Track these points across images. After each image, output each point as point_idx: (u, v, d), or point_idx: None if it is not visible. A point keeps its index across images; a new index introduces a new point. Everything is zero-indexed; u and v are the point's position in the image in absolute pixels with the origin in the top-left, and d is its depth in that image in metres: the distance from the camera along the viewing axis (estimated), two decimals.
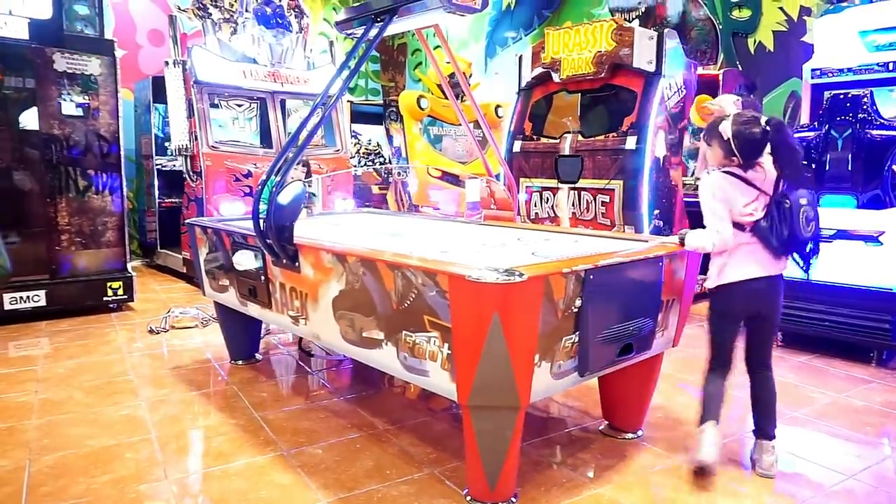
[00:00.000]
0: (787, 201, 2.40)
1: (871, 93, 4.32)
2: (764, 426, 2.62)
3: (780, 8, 6.38)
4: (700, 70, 6.01)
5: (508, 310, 1.96)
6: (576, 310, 2.18)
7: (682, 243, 2.56)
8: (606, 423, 2.97)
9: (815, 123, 4.50)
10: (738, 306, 2.53)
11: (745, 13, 6.72)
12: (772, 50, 6.53)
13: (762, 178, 2.43)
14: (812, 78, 4.89)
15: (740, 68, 6.65)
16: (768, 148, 2.40)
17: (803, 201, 2.41)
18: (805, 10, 6.19)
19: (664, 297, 2.59)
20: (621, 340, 2.37)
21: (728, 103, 2.77)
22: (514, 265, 2.03)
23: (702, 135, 2.61)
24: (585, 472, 2.58)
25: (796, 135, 4.57)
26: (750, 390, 2.68)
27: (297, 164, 4.09)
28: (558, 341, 2.16)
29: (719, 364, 2.62)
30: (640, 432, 2.90)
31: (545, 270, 2.07)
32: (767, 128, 2.38)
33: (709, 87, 6.09)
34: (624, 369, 2.59)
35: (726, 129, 2.42)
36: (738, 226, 2.44)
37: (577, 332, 2.20)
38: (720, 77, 6.17)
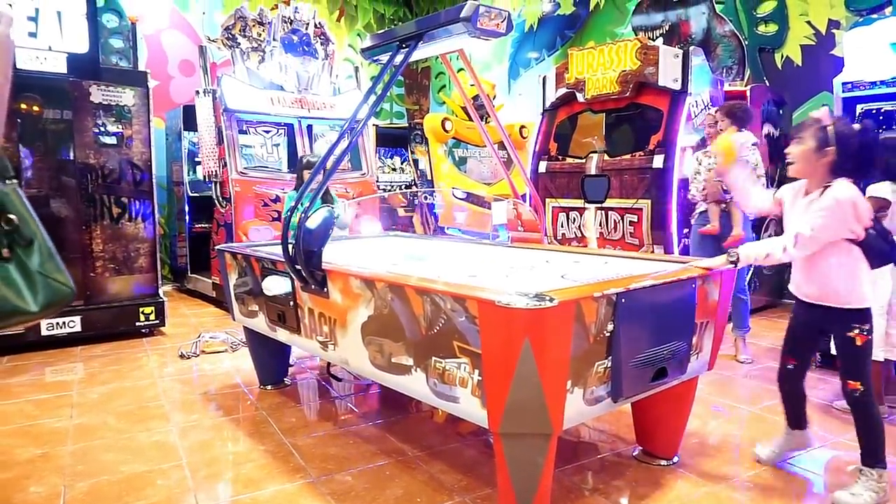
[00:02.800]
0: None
1: None
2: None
3: (808, 22, 6.30)
4: (727, 86, 5.96)
5: (539, 335, 1.93)
6: (608, 334, 2.14)
7: (734, 262, 2.49)
8: (640, 448, 2.90)
9: None
10: None
11: (772, 28, 6.65)
12: (800, 64, 6.45)
13: None
14: (843, 92, 4.80)
15: (768, 84, 6.57)
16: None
17: None
18: (833, 23, 6.10)
19: (698, 319, 2.53)
20: (655, 365, 2.32)
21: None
22: (544, 290, 2.01)
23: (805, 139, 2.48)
24: (619, 500, 2.51)
25: None
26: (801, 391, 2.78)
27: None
28: (591, 367, 2.12)
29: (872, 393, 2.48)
30: (675, 459, 2.82)
31: (576, 295, 2.04)
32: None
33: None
34: (658, 394, 2.53)
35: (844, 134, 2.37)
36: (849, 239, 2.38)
37: (610, 357, 2.16)
38: (747, 93, 6.10)
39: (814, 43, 6.30)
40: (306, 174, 4.50)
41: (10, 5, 4.58)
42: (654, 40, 7.01)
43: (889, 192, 3.33)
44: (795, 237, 2.36)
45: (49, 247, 1.26)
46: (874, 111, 4.34)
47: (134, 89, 5.26)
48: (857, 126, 2.37)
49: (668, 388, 2.54)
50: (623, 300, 2.14)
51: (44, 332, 4.81)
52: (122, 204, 5.24)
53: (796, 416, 2.80)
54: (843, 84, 4.80)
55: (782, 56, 6.58)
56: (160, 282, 5.51)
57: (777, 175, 6.06)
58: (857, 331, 2.40)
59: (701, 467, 2.78)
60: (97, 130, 5.09)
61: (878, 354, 3.40)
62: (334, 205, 4.29)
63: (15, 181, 1.25)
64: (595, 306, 2.08)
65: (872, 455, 2.44)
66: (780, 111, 6.18)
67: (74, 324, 4.95)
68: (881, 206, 3.37)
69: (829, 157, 2.33)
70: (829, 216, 2.32)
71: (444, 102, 9.06)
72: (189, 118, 6.86)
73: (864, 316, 2.41)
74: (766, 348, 4.64)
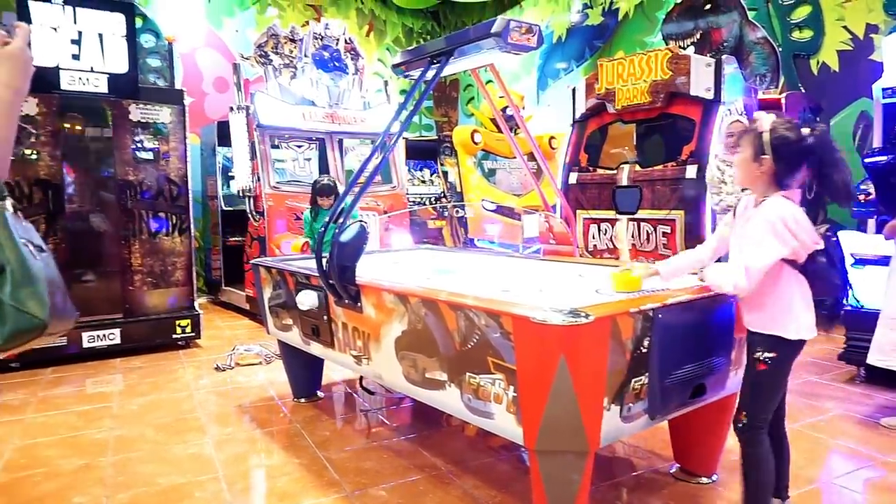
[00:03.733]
0: (832, 234, 2.13)
1: None
2: (786, 482, 2.35)
3: (844, 27, 6.17)
4: (761, 94, 5.85)
5: (575, 352, 1.91)
6: (645, 350, 2.11)
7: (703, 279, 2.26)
8: (678, 466, 2.84)
9: (888, 146, 4.29)
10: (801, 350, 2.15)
11: (807, 33, 6.53)
12: (837, 70, 6.31)
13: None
14: (884, 97, 4.69)
15: (803, 90, 6.44)
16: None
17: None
18: (872, 28, 5.97)
19: (737, 334, 2.47)
20: (693, 381, 2.27)
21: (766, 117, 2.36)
22: (579, 305, 1.99)
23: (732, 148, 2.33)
24: None
25: (868, 159, 4.37)
26: (775, 449, 2.23)
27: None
28: (627, 383, 2.09)
29: (766, 430, 2.19)
30: (714, 477, 2.76)
31: (612, 311, 2.02)
32: (811, 133, 2.03)
33: (771, 111, 5.91)
34: (696, 410, 2.48)
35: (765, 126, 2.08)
36: (791, 262, 2.07)
37: (647, 374, 2.13)
38: (782, 101, 5.98)
39: (851, 48, 6.17)
40: (319, 199, 4.76)
41: (55, 29, 4.76)
42: (684, 49, 6.94)
43: None
44: (746, 271, 2.01)
45: (26, 273, 1.14)
46: None
47: (171, 107, 5.40)
48: (806, 130, 2.03)
49: (707, 405, 2.49)
50: (660, 315, 2.11)
51: (85, 345, 4.94)
52: (160, 219, 5.37)
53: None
54: (884, 90, 4.68)
55: (818, 62, 6.45)
56: (196, 295, 5.62)
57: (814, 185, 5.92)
58: (759, 356, 2.12)
59: (740, 486, 2.70)
60: (135, 147, 5.24)
61: (874, 360, 3.39)
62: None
63: (6, 201, 1.16)
64: (631, 322, 2.06)
65: (752, 501, 2.18)
66: (818, 119, 6.05)
67: (114, 336, 5.07)
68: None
69: (765, 166, 2.06)
70: (763, 239, 2.02)
71: (472, 114, 9.09)
72: (223, 134, 7.01)
73: (774, 343, 2.09)
74: (808, 362, 4.52)
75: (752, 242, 2.05)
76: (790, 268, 2.07)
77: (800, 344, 2.11)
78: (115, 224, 5.23)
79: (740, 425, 2.16)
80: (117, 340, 5.08)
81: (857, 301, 4.18)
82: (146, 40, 5.61)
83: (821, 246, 2.07)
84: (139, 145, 5.26)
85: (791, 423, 3.41)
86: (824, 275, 2.08)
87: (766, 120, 2.08)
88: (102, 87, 5.04)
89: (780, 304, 2.08)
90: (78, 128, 5.10)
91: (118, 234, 5.22)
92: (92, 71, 4.97)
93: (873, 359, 3.51)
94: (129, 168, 5.21)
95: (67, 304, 1.24)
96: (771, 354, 2.10)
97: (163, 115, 5.36)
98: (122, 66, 5.10)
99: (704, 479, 2.73)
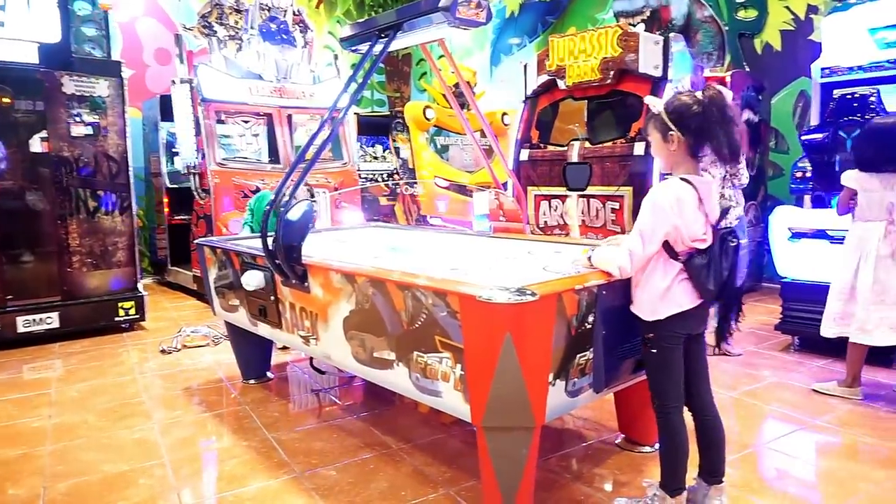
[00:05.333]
0: (734, 239, 2.08)
1: (878, 91, 4.27)
2: (719, 467, 2.27)
3: (787, 7, 6.33)
4: (707, 72, 5.97)
5: (521, 330, 1.93)
6: (589, 326, 2.14)
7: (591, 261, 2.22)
8: (623, 436, 2.93)
9: (824, 124, 4.45)
10: (683, 328, 2.12)
11: (751, 13, 6.68)
12: (779, 50, 6.48)
13: (708, 195, 2.08)
14: (821, 77, 4.84)
15: (748, 69, 6.60)
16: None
17: (744, 242, 2.10)
18: (812, 9, 6.14)
19: None
20: (635, 355, 2.33)
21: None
22: (525, 283, 2.00)
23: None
24: (602, 487, 2.54)
25: (805, 136, 4.53)
26: (700, 430, 2.26)
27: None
28: (572, 359, 2.12)
29: (681, 401, 2.18)
30: (656, 445, 2.84)
31: (557, 288, 2.04)
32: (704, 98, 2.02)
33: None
34: (639, 383, 2.54)
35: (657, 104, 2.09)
36: (672, 253, 2.06)
37: (591, 349, 2.17)
38: (727, 79, 6.12)
39: (793, 28, 6.34)
40: None
41: None
42: (634, 26, 6.99)
43: (853, 180, 3.38)
44: (630, 256, 2.03)
45: None
46: (849, 96, 4.37)
47: (108, 79, 5.14)
48: (698, 95, 2.03)
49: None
50: (604, 292, 2.14)
51: (20, 329, 4.73)
52: (99, 197, 5.15)
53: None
54: (822, 69, 4.83)
55: (762, 41, 6.61)
56: (140, 276, 5.43)
57: (756, 162, 6.11)
58: (644, 338, 2.16)
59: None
60: (71, 122, 4.98)
61: (829, 332, 3.51)
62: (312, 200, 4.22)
63: None
64: (576, 299, 2.08)
65: (669, 478, 2.17)
66: (760, 97, 6.22)
67: (52, 320, 4.87)
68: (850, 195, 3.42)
69: (675, 143, 2.05)
70: (644, 222, 2.03)
71: (425, 90, 9.00)
72: (166, 108, 6.73)
73: (650, 326, 2.11)
74: (746, 332, 4.70)
75: (637, 225, 2.06)
76: (667, 257, 2.06)
77: (673, 321, 2.07)
78: (51, 202, 4.98)
79: (654, 405, 2.18)
80: (55, 324, 4.88)
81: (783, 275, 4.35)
82: (80, 7, 5.32)
83: (706, 244, 2.05)
84: (75, 119, 5.00)
85: (730, 392, 3.56)
86: (698, 276, 2.03)
87: (657, 101, 2.12)
88: (32, 58, 4.76)
89: (647, 289, 2.10)
90: (6, 100, 4.81)
91: (54, 212, 4.98)
92: (20, 39, 4.67)
93: (827, 331, 3.53)
94: (63, 144, 4.96)
95: None
96: (650, 336, 2.13)
97: (99, 87, 5.11)
98: (53, 35, 4.81)
99: (647, 448, 2.82)
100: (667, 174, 2.16)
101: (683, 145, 2.06)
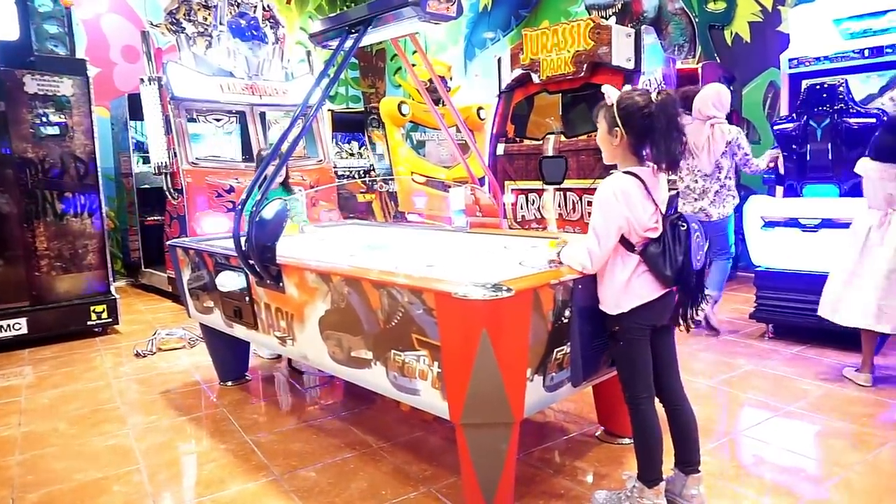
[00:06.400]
0: (684, 223, 2.09)
1: (846, 81, 4.34)
2: (694, 457, 2.27)
3: None
4: (679, 64, 6.02)
5: (497, 326, 1.92)
6: (566, 320, 2.15)
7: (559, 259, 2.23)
8: (603, 429, 2.95)
9: (794, 114, 4.51)
10: (648, 319, 2.14)
11: (721, 5, 6.75)
12: (748, 41, 6.57)
13: (655, 184, 2.10)
14: (790, 68, 4.91)
15: (719, 61, 6.67)
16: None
17: (695, 226, 2.11)
18: (779, 0, 6.22)
19: None
20: None
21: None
22: (501, 279, 2.00)
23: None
24: (583, 480, 2.55)
25: (776, 126, 4.59)
26: (672, 420, 2.28)
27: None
28: (550, 354, 2.12)
29: (650, 392, 2.19)
30: None
31: (533, 283, 2.04)
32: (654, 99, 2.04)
33: (689, 81, 6.10)
34: (616, 376, 2.56)
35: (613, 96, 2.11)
36: (629, 246, 2.08)
37: (568, 343, 2.17)
38: (699, 70, 6.18)
39: (761, 20, 6.42)
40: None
41: None
42: (606, 19, 7.02)
43: (870, 169, 3.41)
44: (589, 254, 2.07)
45: None
46: (818, 86, 4.44)
47: (72, 78, 5.01)
48: (650, 97, 2.03)
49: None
50: (580, 286, 2.15)
51: None
52: (66, 199, 5.02)
53: None
54: (790, 60, 4.90)
55: (732, 33, 6.68)
56: (112, 278, 5.33)
57: None
58: (610, 332, 2.19)
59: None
60: (35, 122, 4.85)
61: (825, 312, 3.58)
62: (291, 196, 4.13)
63: None
64: (552, 294, 2.08)
65: (646, 469, 2.18)
66: (731, 88, 6.28)
67: (20, 326, 4.75)
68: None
69: (619, 138, 2.07)
70: (597, 220, 2.05)
71: (400, 85, 8.94)
72: (135, 107, 6.59)
73: (615, 319, 2.14)
74: (722, 320, 4.76)
75: (591, 224, 2.08)
76: (625, 250, 2.08)
77: (637, 313, 2.08)
78: (17, 205, 4.85)
79: (625, 396, 2.19)
80: (24, 330, 4.76)
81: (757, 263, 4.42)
82: (41, 4, 5.16)
83: (657, 233, 2.06)
84: (40, 120, 4.87)
85: (706, 380, 3.61)
86: (655, 264, 2.05)
87: (612, 93, 2.12)
88: None
89: (609, 284, 2.12)
90: None
91: (20, 215, 4.84)
92: None
93: (824, 311, 3.60)
94: (27, 145, 4.83)
95: None
96: (616, 329, 2.15)
97: (64, 86, 4.98)
98: (12, 33, 4.67)
99: (626, 440, 2.83)
100: (611, 167, 2.17)
101: (625, 142, 2.09)
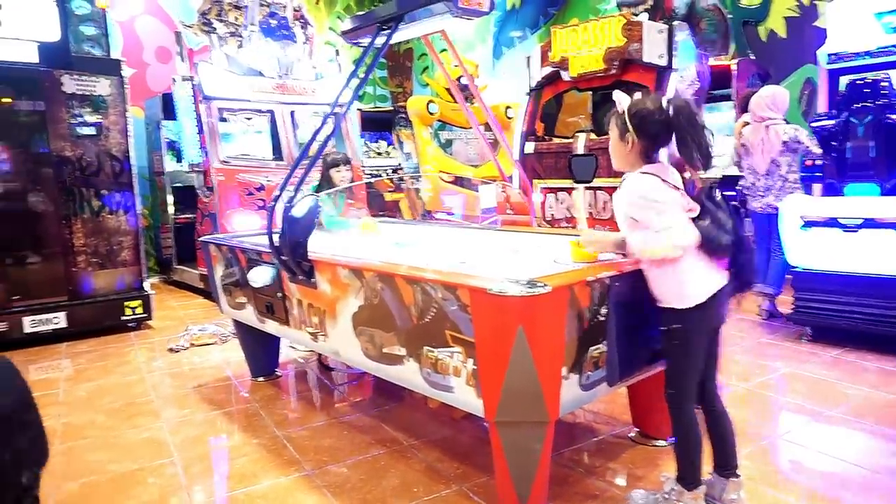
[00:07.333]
0: (717, 191, 2.07)
1: (889, 76, 4.21)
2: (732, 460, 2.23)
3: None
4: (712, 61, 5.90)
5: (533, 323, 1.89)
6: (602, 318, 2.11)
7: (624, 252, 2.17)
8: (637, 430, 2.90)
9: (834, 111, 4.39)
10: (709, 320, 2.10)
11: (755, 1, 6.60)
12: (784, 37, 6.41)
13: (668, 177, 2.08)
14: (828, 63, 4.78)
15: (753, 57, 6.53)
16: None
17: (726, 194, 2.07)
18: None
19: None
20: (650, 347, 2.29)
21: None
22: (536, 275, 1.97)
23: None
24: (616, 482, 2.51)
25: (814, 123, 4.47)
26: (710, 423, 2.23)
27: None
28: (586, 352, 2.09)
29: (692, 400, 2.15)
30: (671, 440, 2.81)
31: (569, 280, 2.01)
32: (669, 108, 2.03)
33: (722, 77, 5.99)
34: (653, 375, 2.51)
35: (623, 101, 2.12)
36: None
37: (605, 342, 2.14)
38: (732, 67, 6.06)
39: (798, 15, 6.26)
40: (332, 172, 4.06)
41: None
42: (637, 15, 6.92)
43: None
44: (669, 235, 1.99)
45: None
46: (860, 82, 4.31)
47: (108, 78, 5.11)
48: (664, 103, 2.04)
49: (663, 370, 2.52)
50: (616, 283, 2.11)
51: (27, 330, 4.72)
52: (102, 196, 5.12)
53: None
54: (829, 56, 4.77)
55: (767, 29, 6.53)
56: (146, 274, 5.42)
57: None
58: (666, 328, 2.10)
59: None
60: (72, 122, 4.95)
61: None
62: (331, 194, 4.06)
63: None
64: (588, 291, 2.05)
65: (686, 471, 2.15)
66: (766, 84, 6.15)
67: (59, 320, 4.86)
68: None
69: (630, 144, 2.07)
70: (646, 220, 2.01)
71: (427, 84, 8.93)
72: (168, 107, 6.70)
73: (674, 315, 2.07)
74: (760, 322, 4.66)
75: (643, 222, 2.01)
76: None
77: (700, 310, 2.03)
78: (55, 203, 4.96)
79: (668, 396, 2.14)
80: (62, 324, 4.86)
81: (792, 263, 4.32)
82: (78, 6, 5.27)
83: (695, 212, 2.04)
84: (77, 119, 4.98)
85: (743, 383, 3.53)
86: (709, 236, 1.99)
87: (624, 100, 2.12)
88: (32, 57, 4.73)
89: (666, 278, 2.06)
90: (6, 100, 4.78)
91: (58, 213, 4.96)
92: (19, 39, 4.64)
93: None
94: (65, 144, 4.94)
95: None
96: (675, 326, 2.08)
97: (100, 86, 5.08)
98: (52, 34, 4.78)
99: (661, 442, 2.78)
100: (620, 173, 2.18)
101: (638, 147, 2.08)
